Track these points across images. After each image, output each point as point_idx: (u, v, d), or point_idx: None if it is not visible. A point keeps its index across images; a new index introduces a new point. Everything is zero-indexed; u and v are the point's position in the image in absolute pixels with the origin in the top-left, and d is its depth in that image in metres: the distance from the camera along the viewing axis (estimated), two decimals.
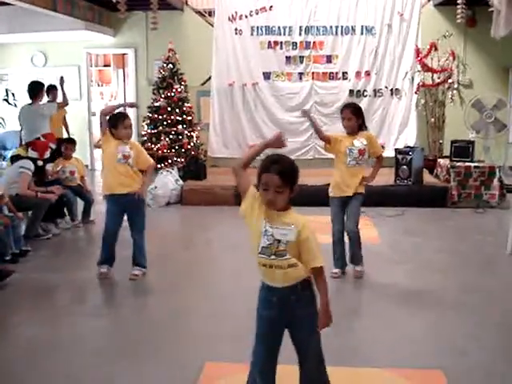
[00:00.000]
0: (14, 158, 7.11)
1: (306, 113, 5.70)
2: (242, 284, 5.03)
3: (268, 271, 2.61)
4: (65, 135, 9.53)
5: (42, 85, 8.75)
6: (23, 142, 7.91)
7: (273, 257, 2.58)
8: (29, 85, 8.65)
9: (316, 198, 6.55)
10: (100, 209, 7.46)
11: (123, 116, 5.36)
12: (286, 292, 2.62)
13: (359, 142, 5.16)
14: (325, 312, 2.61)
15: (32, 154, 7.33)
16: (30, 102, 8.23)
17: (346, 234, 5.31)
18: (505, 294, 4.91)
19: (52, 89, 9.39)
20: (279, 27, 10.75)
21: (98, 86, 15.02)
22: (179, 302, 4.81)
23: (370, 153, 5.25)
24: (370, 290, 5.09)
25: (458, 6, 9.66)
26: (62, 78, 8.54)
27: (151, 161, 5.50)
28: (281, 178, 2.54)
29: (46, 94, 8.77)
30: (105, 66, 15.15)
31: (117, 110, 5.55)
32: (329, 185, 5.35)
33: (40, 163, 7.25)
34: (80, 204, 7.66)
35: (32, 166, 6.78)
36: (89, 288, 5.20)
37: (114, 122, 5.22)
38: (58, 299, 5.09)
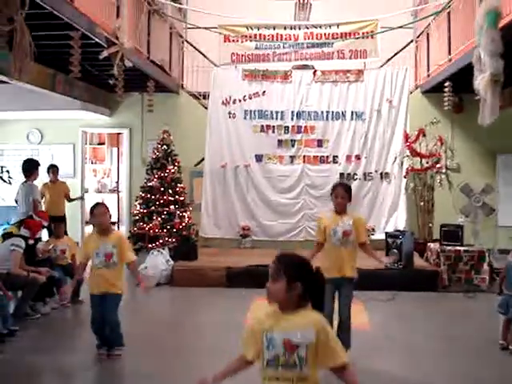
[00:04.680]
0: (6, 236, 7.09)
1: None
2: None
3: None
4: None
5: (36, 163, 8.89)
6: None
7: (280, 369, 2.47)
8: (23, 162, 8.78)
9: None
10: None
11: (94, 205, 5.43)
12: None
13: (345, 222, 5.19)
14: None
15: (24, 232, 7.32)
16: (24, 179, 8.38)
17: (338, 318, 5.27)
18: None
19: (52, 168, 9.64)
20: (272, 112, 11.07)
21: (92, 163, 15.17)
22: None
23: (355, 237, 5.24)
24: (360, 377, 4.99)
25: (445, 94, 10.00)
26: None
27: (133, 257, 5.49)
28: (276, 266, 2.52)
29: (47, 172, 9.08)
30: (99, 144, 15.35)
31: None
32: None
33: (31, 242, 7.22)
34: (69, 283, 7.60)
35: (23, 244, 6.75)
36: (75, 373, 5.11)
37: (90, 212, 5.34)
38: None
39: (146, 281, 8.53)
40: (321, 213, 5.56)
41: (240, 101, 11.13)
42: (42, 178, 9.71)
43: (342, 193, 5.24)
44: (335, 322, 5.27)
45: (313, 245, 5.59)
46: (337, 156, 11.06)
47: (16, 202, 9.12)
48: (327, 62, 11.36)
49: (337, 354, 2.49)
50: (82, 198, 10.29)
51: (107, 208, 5.41)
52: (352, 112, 11.05)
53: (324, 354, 2.47)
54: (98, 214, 5.25)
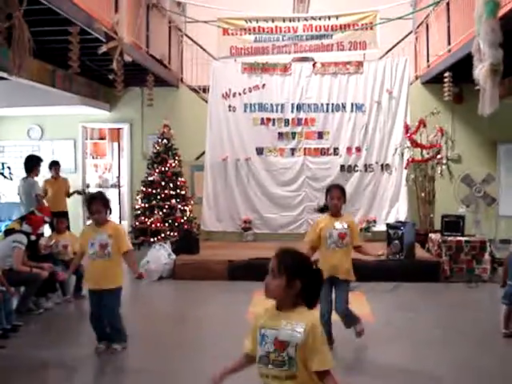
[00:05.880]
0: (8, 232, 7.09)
1: None
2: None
3: (267, 382, 2.48)
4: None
5: (38, 159, 8.89)
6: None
7: (270, 366, 2.46)
8: (25, 159, 8.80)
9: None
10: None
11: (91, 199, 5.35)
12: None
13: (341, 225, 5.19)
14: None
15: (26, 228, 7.32)
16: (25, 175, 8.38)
17: (335, 313, 5.28)
18: (503, 374, 4.87)
19: (54, 164, 9.66)
20: (272, 104, 11.07)
21: (93, 158, 15.16)
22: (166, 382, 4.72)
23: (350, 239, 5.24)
24: (363, 369, 5.03)
25: (445, 84, 9.98)
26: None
27: (129, 246, 5.39)
28: (277, 262, 2.50)
29: (49, 169, 9.08)
30: (100, 138, 15.34)
31: None
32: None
33: (33, 238, 7.23)
34: (72, 278, 7.61)
35: (25, 240, 6.75)
36: (78, 367, 5.12)
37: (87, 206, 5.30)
38: (47, 379, 5.02)
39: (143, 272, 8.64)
40: (319, 218, 5.53)
41: (240, 94, 11.12)
42: (44, 174, 9.72)
43: (338, 194, 5.24)
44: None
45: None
46: (337, 148, 11.05)
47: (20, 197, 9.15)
48: (327, 53, 11.34)
49: (322, 359, 2.44)
50: (80, 193, 10.28)
51: (104, 201, 5.30)
52: (352, 104, 11.03)
53: (309, 357, 2.43)
54: (95, 211, 5.22)
